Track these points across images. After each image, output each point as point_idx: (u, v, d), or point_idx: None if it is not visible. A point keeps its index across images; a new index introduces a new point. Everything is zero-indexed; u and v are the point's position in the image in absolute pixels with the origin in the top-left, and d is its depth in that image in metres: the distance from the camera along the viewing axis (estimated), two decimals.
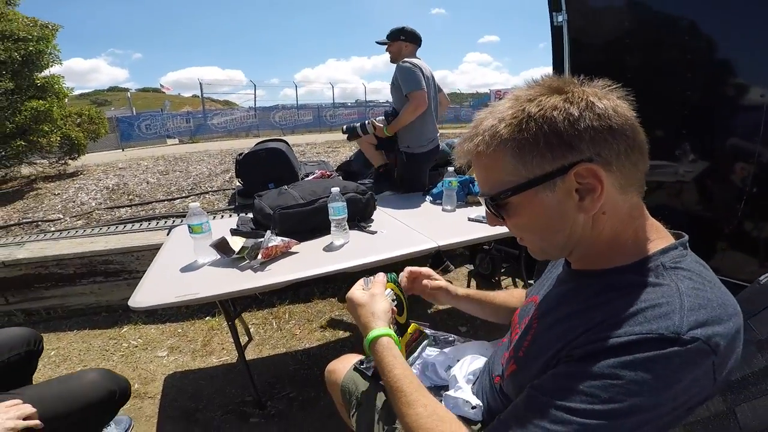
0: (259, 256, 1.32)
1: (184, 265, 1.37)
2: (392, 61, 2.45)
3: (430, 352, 1.02)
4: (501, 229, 1.63)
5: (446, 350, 1.05)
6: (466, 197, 2.10)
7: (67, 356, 2.09)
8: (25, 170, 5.04)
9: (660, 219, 0.60)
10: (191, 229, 1.37)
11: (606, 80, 0.54)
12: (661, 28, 1.77)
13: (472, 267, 2.92)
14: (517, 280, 2.78)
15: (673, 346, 0.45)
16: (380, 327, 0.72)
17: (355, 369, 1.01)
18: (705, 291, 0.50)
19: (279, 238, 1.38)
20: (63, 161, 5.20)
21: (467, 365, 0.94)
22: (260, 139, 3.43)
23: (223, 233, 1.46)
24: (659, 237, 0.56)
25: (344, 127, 2.62)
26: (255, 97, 16.14)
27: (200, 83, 15.04)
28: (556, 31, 2.10)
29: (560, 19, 2.05)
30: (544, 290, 0.74)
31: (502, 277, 2.83)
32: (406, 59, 2.30)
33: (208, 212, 3.05)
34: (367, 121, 2.49)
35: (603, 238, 0.55)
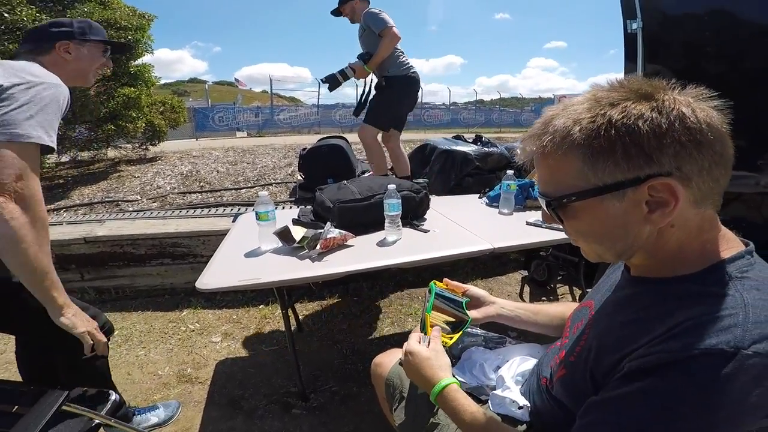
0: (318, 247, 1.38)
1: (248, 251, 1.47)
2: (352, 21, 2.72)
3: (479, 352, 1.02)
4: (560, 235, 1.62)
5: (496, 350, 1.04)
6: (525, 201, 2.02)
7: (128, 336, 2.20)
8: (111, 153, 5.49)
9: (732, 228, 0.56)
10: (258, 216, 1.47)
11: (701, 88, 0.50)
12: (742, 35, 1.69)
13: (526, 273, 2.82)
14: (574, 288, 2.64)
15: (733, 361, 0.42)
16: (447, 376, 0.74)
17: (401, 363, 1.02)
18: None
19: (337, 231, 1.44)
20: (145, 146, 5.59)
21: (516, 366, 0.93)
22: (322, 136, 3.57)
23: (286, 223, 1.55)
24: (728, 247, 0.53)
25: (323, 78, 2.68)
26: (318, 95, 16.47)
27: (270, 79, 15.67)
28: (629, 39, 2.05)
29: (635, 26, 2.00)
30: (600, 295, 0.72)
31: (558, 285, 2.70)
32: (369, 8, 2.59)
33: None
34: (345, 67, 2.60)
35: (667, 249, 0.53)
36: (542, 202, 0.58)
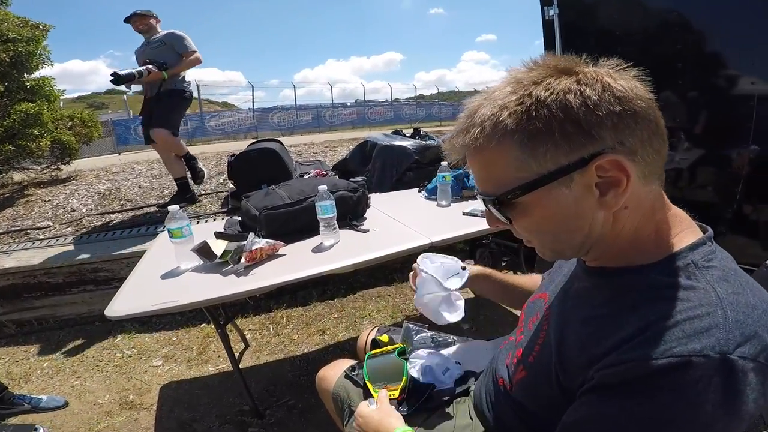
0: (243, 260, 1.25)
1: (165, 272, 1.31)
2: (146, 32, 2.99)
3: (425, 353, 0.96)
4: None
5: (444, 351, 0.99)
6: (461, 191, 2.04)
7: (60, 367, 2.06)
8: (17, 176, 4.93)
9: (684, 207, 0.53)
10: (171, 234, 1.31)
11: (615, 59, 0.47)
12: (651, 21, 1.80)
13: (473, 262, 2.85)
14: (518, 273, 2.71)
15: (722, 369, 0.39)
16: (402, 426, 0.71)
17: (346, 376, 0.96)
18: (746, 295, 0.44)
19: (264, 241, 1.31)
20: (55, 166, 5.06)
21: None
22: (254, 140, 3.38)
23: (209, 237, 1.40)
24: (684, 229, 0.50)
25: (120, 73, 2.70)
26: (253, 99, 16.08)
27: (197, 85, 14.78)
28: (547, 25, 2.13)
29: (551, 13, 2.08)
30: (554, 286, 0.67)
31: (503, 271, 2.76)
32: (175, 31, 2.99)
33: (201, 216, 3.00)
34: (143, 68, 2.78)
35: (624, 235, 0.49)
36: (483, 204, 0.52)
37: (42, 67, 4.49)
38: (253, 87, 16.47)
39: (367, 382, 0.86)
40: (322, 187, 1.40)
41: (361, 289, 2.66)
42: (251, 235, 1.31)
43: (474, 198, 2.01)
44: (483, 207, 1.78)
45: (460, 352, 1.01)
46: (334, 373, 1.00)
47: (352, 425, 0.77)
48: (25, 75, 4.41)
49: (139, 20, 2.99)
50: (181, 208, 1.36)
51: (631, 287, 0.48)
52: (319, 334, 2.19)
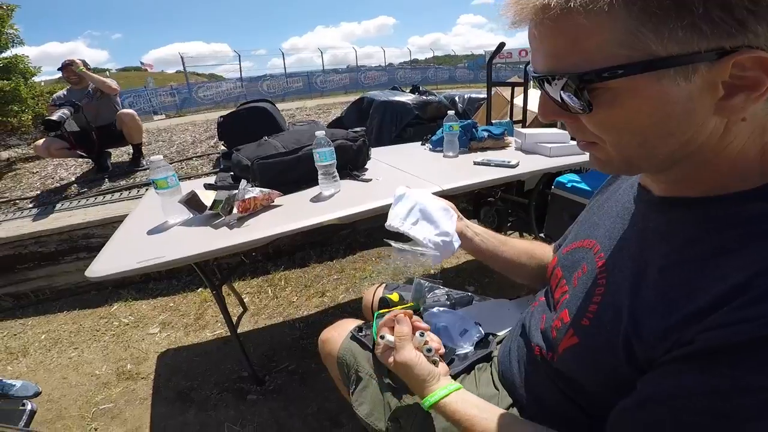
0: (235, 210, 1.13)
1: (151, 228, 1.19)
2: (77, 83, 3.11)
3: (443, 314, 0.87)
4: (511, 172, 1.49)
5: (461, 311, 0.89)
6: (469, 143, 1.91)
7: (57, 339, 2.02)
8: (4, 154, 4.79)
9: None
10: (156, 185, 1.18)
11: None
12: None
13: (476, 221, 2.76)
14: (525, 234, 2.62)
15: None
16: (441, 385, 0.60)
17: (353, 338, 0.86)
18: None
19: (257, 189, 1.19)
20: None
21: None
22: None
23: (197, 190, 1.27)
24: None
25: (53, 119, 2.76)
26: (240, 68, 15.78)
27: (182, 57, 14.70)
28: None
29: None
30: (604, 230, 0.55)
31: (508, 232, 2.67)
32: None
33: (192, 177, 2.85)
34: (66, 110, 2.85)
35: (727, 153, 0.39)
36: (547, 84, 0.40)
37: (13, 47, 4.52)
38: (240, 56, 15.98)
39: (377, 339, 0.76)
40: (320, 133, 1.27)
41: (361, 249, 2.59)
42: (243, 182, 1.18)
43: (482, 150, 1.88)
44: (498, 158, 1.59)
45: (479, 312, 0.91)
46: (338, 334, 0.89)
47: (381, 355, 0.64)
48: None
49: (71, 71, 3.02)
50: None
51: (730, 220, 0.38)
52: (319, 296, 2.13)
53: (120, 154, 3.63)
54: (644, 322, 0.41)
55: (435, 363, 0.62)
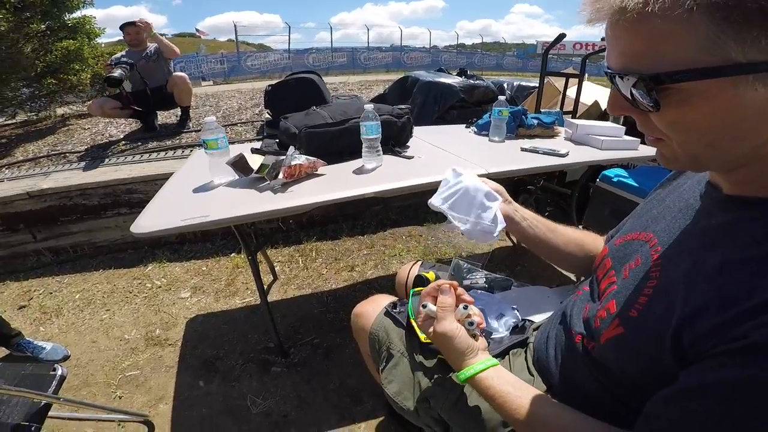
0: (281, 176, 1.16)
1: (197, 186, 1.23)
2: (137, 45, 3.19)
3: (480, 296, 0.86)
4: (559, 160, 1.43)
5: (498, 294, 0.88)
6: (516, 129, 1.85)
7: (91, 299, 2.04)
8: (60, 110, 5.09)
9: None
10: (206, 145, 1.22)
11: None
12: None
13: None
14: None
15: None
16: (479, 359, 0.60)
17: (387, 314, 0.86)
18: None
19: (304, 157, 1.21)
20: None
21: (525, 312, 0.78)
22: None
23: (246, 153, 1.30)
24: None
25: (115, 75, 2.86)
26: (289, 40, 15.92)
27: (235, 25, 14.95)
28: None
29: None
30: (665, 224, 0.54)
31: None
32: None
33: (235, 142, 2.93)
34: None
35: None
36: (618, 80, 0.40)
37: (83, 7, 4.65)
38: (290, 28, 16.22)
39: (412, 321, 0.75)
40: (369, 106, 1.26)
41: (392, 226, 2.59)
42: (291, 149, 1.20)
43: (530, 137, 1.81)
44: (545, 146, 1.54)
45: (518, 297, 0.90)
46: (372, 309, 0.90)
47: (422, 324, 0.64)
48: (66, 15, 4.59)
49: (133, 31, 3.10)
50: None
51: None
52: (348, 270, 2.16)
53: (168, 116, 3.77)
54: (699, 315, 0.41)
55: (474, 337, 0.62)
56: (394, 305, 0.88)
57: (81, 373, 1.57)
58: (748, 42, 0.33)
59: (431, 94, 2.80)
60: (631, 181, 1.93)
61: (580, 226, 2.16)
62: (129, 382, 1.52)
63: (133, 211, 2.45)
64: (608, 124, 1.84)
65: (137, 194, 2.44)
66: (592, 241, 0.79)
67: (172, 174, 1.74)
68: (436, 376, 0.72)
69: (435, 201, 0.80)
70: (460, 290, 0.65)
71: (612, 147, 1.60)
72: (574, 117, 2.64)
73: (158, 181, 2.37)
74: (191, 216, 1.01)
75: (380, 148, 1.31)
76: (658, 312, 0.46)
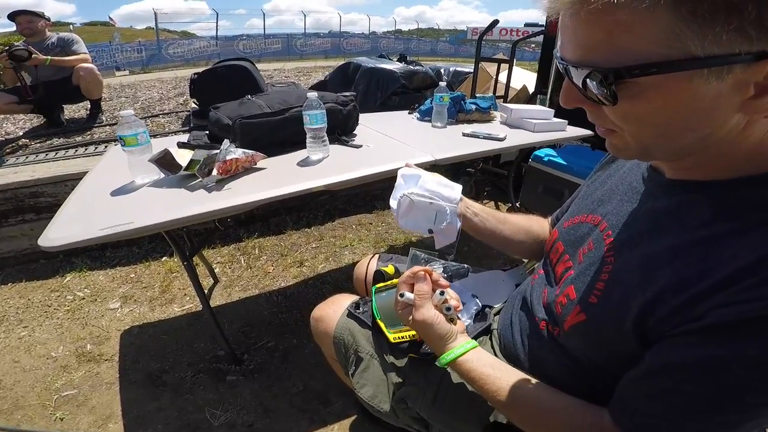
0: (215, 172, 1.05)
1: (116, 188, 1.08)
2: (31, 35, 2.86)
3: None
4: (498, 144, 1.47)
5: (457, 283, 0.87)
6: (457, 114, 1.88)
7: (3, 316, 1.77)
8: None
9: None
10: (123, 142, 1.06)
11: None
12: None
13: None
14: (500, 203, 2.67)
15: None
16: (458, 343, 0.60)
17: (350, 315, 0.82)
18: None
19: (240, 150, 1.10)
20: None
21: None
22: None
23: (169, 148, 1.16)
24: None
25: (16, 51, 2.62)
26: (217, 26, 15.10)
27: (155, 12, 13.93)
28: None
29: None
30: (611, 207, 0.55)
31: (484, 201, 2.70)
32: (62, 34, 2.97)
33: (158, 135, 2.66)
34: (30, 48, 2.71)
35: (745, 144, 0.41)
36: (574, 73, 0.40)
37: None
38: (217, 14, 15.29)
39: (379, 322, 0.72)
40: (312, 94, 1.18)
41: (341, 216, 2.52)
42: (226, 142, 1.09)
43: (470, 122, 1.86)
44: (484, 131, 1.57)
45: (475, 284, 0.90)
46: (333, 311, 0.86)
47: (401, 313, 0.63)
48: None
49: (25, 21, 2.76)
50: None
51: (747, 202, 0.41)
52: (297, 266, 2.06)
53: (76, 110, 3.32)
54: (657, 299, 0.42)
55: (452, 321, 0.62)
56: (356, 305, 0.84)
57: (9, 396, 1.39)
58: (710, 36, 0.33)
59: (373, 80, 2.76)
60: (559, 160, 2.07)
61: (518, 204, 2.30)
62: (67, 402, 1.36)
63: (41, 217, 2.14)
64: (539, 107, 1.95)
65: (44, 198, 2.12)
66: (538, 226, 0.81)
67: (85, 174, 1.51)
68: (409, 375, 0.71)
69: (393, 205, 0.78)
70: (436, 275, 0.64)
71: (543, 129, 1.69)
72: (505, 101, 2.77)
73: (69, 182, 2.08)
74: (112, 223, 0.88)
75: (326, 137, 1.25)
76: (617, 298, 0.47)
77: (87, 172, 2.01)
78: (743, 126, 0.39)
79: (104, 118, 3.03)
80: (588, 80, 0.39)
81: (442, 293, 0.62)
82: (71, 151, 2.48)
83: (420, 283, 0.62)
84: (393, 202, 0.77)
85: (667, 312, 0.41)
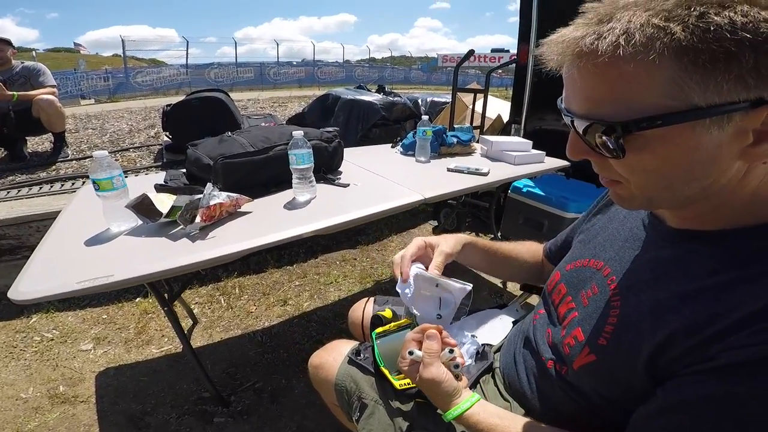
0: (198, 219, 0.99)
1: (90, 237, 1.00)
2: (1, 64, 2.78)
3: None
4: (483, 180, 1.48)
5: (453, 324, 0.86)
6: (439, 148, 1.91)
7: None
8: None
9: None
10: (98, 186, 0.99)
11: None
12: None
13: (436, 223, 2.79)
14: (481, 234, 2.68)
15: None
16: (464, 398, 0.59)
17: (351, 362, 0.80)
18: None
19: (225, 194, 1.05)
20: None
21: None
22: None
23: (146, 191, 1.09)
24: None
25: None
26: (187, 54, 14.86)
27: (122, 39, 13.69)
28: None
29: None
30: (613, 253, 0.57)
31: (466, 232, 2.72)
32: (28, 63, 2.89)
33: (129, 171, 2.55)
34: None
35: (744, 192, 0.42)
36: (580, 126, 0.41)
37: None
38: (188, 42, 15.12)
39: (383, 369, 0.70)
40: (298, 133, 1.16)
41: (323, 252, 2.47)
42: (209, 186, 1.03)
43: (452, 155, 1.88)
44: (470, 165, 1.63)
45: (471, 323, 0.89)
46: (332, 359, 0.83)
47: (408, 370, 0.62)
48: None
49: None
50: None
51: (744, 254, 0.42)
52: (280, 305, 1.99)
53: (40, 142, 3.16)
54: (669, 342, 0.43)
55: (458, 377, 0.61)
56: (356, 352, 0.82)
57: None
58: (711, 86, 0.34)
59: (354, 112, 2.78)
60: (538, 191, 2.13)
61: (499, 235, 2.33)
62: None
63: (3, 260, 2.01)
64: (517, 139, 2.01)
65: (6, 240, 1.98)
66: (529, 251, 0.87)
67: (50, 214, 1.39)
68: (417, 419, 0.70)
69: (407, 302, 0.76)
70: (444, 333, 0.64)
71: (523, 161, 1.73)
72: (482, 131, 2.85)
73: (33, 223, 1.96)
74: (90, 276, 0.82)
75: (313, 177, 1.22)
76: (628, 340, 0.48)
77: (54, 212, 1.93)
78: (743, 173, 0.40)
79: (70, 152, 2.89)
80: (598, 134, 0.40)
81: (451, 351, 0.61)
82: (35, 189, 2.34)
83: (430, 341, 0.61)
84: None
85: (680, 353, 0.42)
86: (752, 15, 0.34)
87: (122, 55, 14.25)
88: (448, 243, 0.78)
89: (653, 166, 0.40)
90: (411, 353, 0.62)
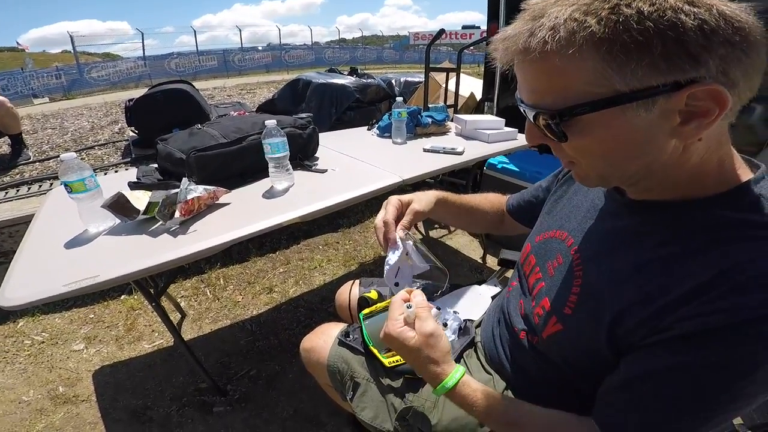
0: (177, 214, 0.99)
1: (69, 239, 0.99)
2: None
3: None
4: (459, 159, 1.52)
5: (437, 301, 0.89)
6: (415, 129, 1.92)
7: None
8: None
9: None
10: (70, 189, 0.97)
11: None
12: None
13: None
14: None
15: None
16: (451, 371, 0.58)
17: (341, 344, 0.83)
18: None
19: (201, 187, 1.05)
20: None
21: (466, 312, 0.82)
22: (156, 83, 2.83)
23: (120, 189, 1.08)
24: (743, 165, 0.48)
25: None
26: (143, 46, 14.34)
27: (71, 36, 12.86)
28: None
29: None
30: (575, 223, 0.60)
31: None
32: None
33: (98, 169, 2.47)
34: None
35: (687, 167, 0.45)
36: (531, 115, 0.45)
37: None
38: (143, 34, 14.49)
39: (372, 348, 0.73)
40: (271, 122, 1.16)
41: (305, 238, 2.48)
42: (185, 180, 1.03)
43: (428, 136, 1.91)
44: (445, 144, 1.66)
45: (453, 300, 0.93)
46: (323, 341, 0.86)
47: (400, 331, 0.59)
48: None
49: None
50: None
51: (698, 223, 0.45)
52: (267, 293, 2.00)
53: None
54: (625, 312, 0.46)
55: None
56: (345, 333, 0.85)
57: None
58: (628, 73, 0.37)
59: (327, 96, 2.74)
60: (512, 167, 2.19)
61: None
62: None
63: None
64: (490, 117, 2.04)
65: None
66: (491, 202, 0.92)
67: (22, 219, 1.34)
68: (407, 394, 0.73)
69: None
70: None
71: (497, 139, 1.77)
72: (455, 110, 2.86)
73: (5, 228, 1.91)
74: (75, 278, 0.82)
75: (290, 165, 1.22)
76: (589, 308, 0.51)
77: (25, 216, 1.87)
78: (681, 150, 0.43)
79: (31, 154, 2.75)
80: (543, 121, 0.44)
81: (439, 308, 0.64)
82: (1, 194, 2.23)
83: (417, 298, 0.62)
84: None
85: (634, 324, 0.45)
86: (659, 3, 0.37)
87: (72, 51, 13.34)
88: (420, 202, 0.78)
89: (596, 147, 0.44)
90: (409, 307, 0.60)
